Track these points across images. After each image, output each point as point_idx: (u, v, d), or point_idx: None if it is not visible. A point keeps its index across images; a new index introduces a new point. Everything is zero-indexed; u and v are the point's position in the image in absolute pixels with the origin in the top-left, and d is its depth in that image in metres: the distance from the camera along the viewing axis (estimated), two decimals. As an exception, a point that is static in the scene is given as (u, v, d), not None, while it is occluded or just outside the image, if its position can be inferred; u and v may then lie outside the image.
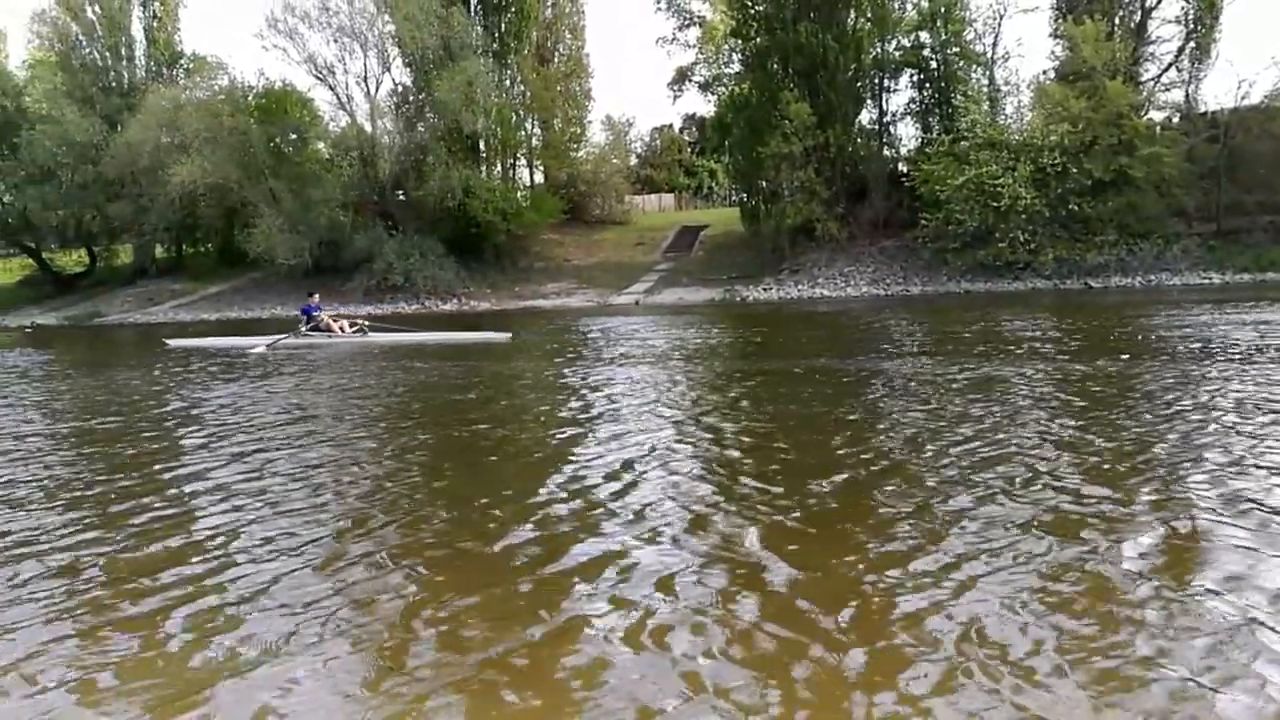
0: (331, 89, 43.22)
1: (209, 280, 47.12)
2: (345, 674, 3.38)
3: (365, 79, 43.05)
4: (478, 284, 41.64)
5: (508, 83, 46.39)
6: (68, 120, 44.22)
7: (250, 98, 44.10)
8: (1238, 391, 8.55)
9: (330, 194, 41.27)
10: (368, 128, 43.39)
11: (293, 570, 4.54)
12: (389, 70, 43.82)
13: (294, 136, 44.88)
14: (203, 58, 48.71)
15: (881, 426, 7.89)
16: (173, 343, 22.38)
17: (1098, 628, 3.47)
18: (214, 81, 44.30)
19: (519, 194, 45.19)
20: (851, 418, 8.42)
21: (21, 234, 50.18)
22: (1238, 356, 11.18)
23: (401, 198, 43.82)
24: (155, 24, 51.26)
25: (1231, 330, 14.46)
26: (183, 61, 51.26)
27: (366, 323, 21.64)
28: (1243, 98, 33.58)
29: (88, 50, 49.12)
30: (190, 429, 9.22)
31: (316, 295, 23.23)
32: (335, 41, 42.17)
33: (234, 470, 7.03)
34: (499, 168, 46.41)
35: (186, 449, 8.10)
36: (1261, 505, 4.91)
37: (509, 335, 20.33)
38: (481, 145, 44.18)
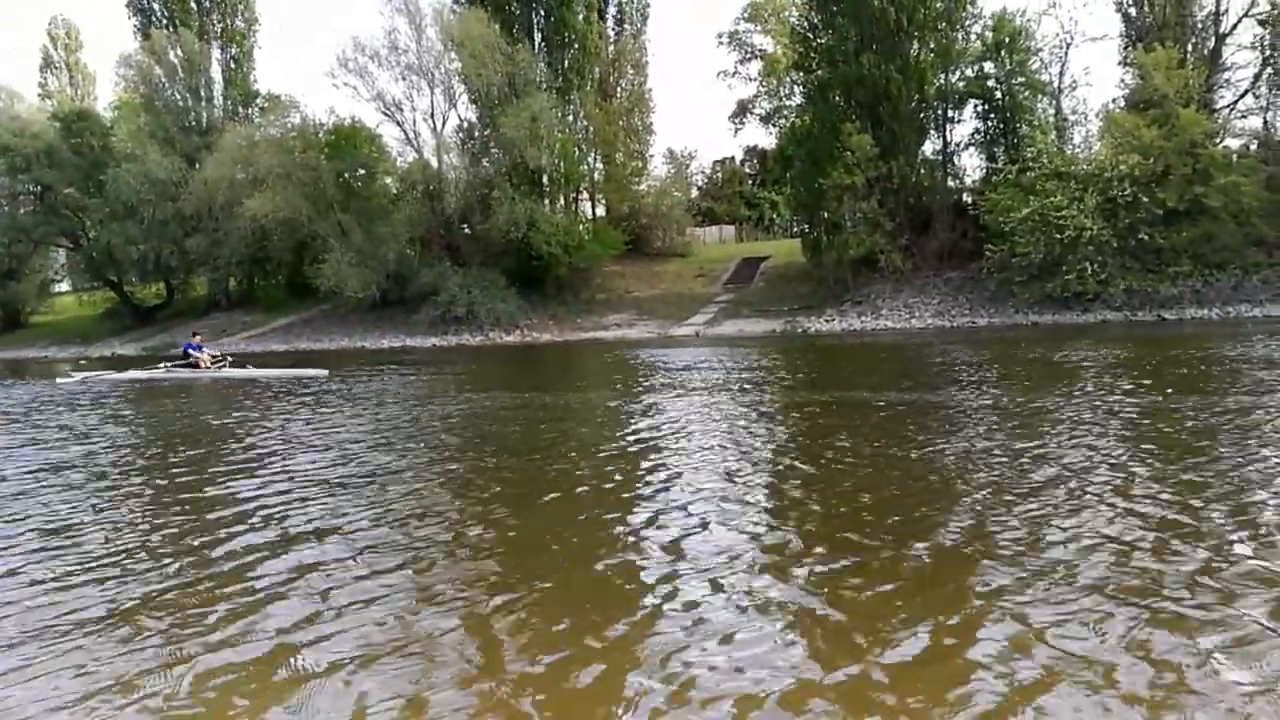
0: (399, 125, 44.42)
1: (279, 312, 48.40)
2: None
3: (432, 115, 44.15)
4: (540, 316, 42.09)
5: (571, 118, 47.04)
6: (150, 159, 45.99)
7: (320, 134, 45.40)
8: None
9: (397, 228, 42.20)
10: (434, 163, 44.36)
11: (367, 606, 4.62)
12: (455, 107, 44.87)
13: (362, 172, 46.01)
14: (276, 96, 50.31)
15: (940, 462, 7.76)
16: (65, 380, 23.42)
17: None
18: (286, 119, 45.74)
19: (581, 227, 45.65)
20: (912, 452, 8.30)
21: (105, 268, 52.22)
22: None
23: (466, 231, 44.61)
24: (233, 65, 53.30)
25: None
26: (258, 100, 53.04)
27: (228, 358, 24.79)
28: (1324, 123, 32.58)
29: (169, 91, 51.13)
30: (235, 457, 9.47)
31: (199, 335, 27.16)
32: (403, 79, 43.40)
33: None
34: (562, 201, 46.97)
35: (245, 473, 8.32)
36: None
37: (326, 371, 22.48)
38: (545, 179, 44.78)
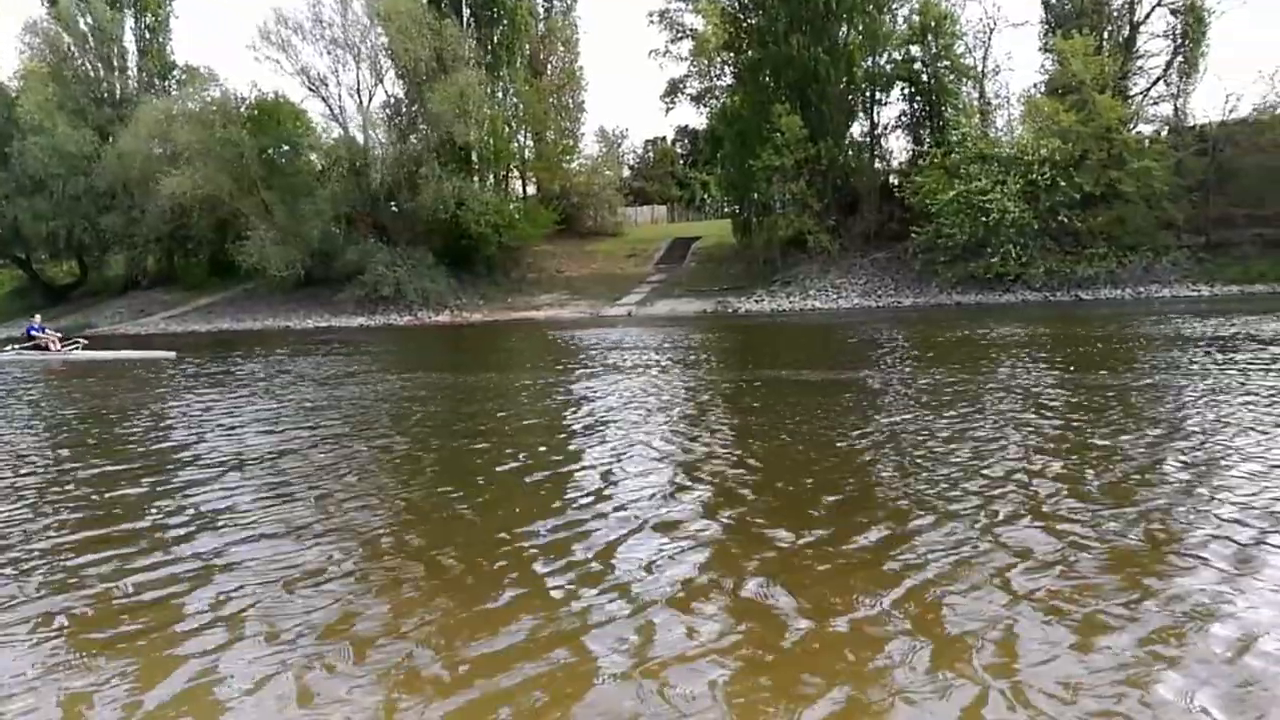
0: (324, 100, 43.42)
1: (201, 291, 47.09)
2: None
3: (358, 90, 43.23)
4: (470, 296, 41.70)
5: (500, 95, 46.47)
6: (59, 131, 44.22)
7: (242, 109, 44.14)
8: (1211, 401, 8.61)
9: (322, 206, 41.34)
10: (360, 139, 43.52)
11: (278, 587, 4.53)
12: (381, 82, 44.00)
13: (286, 148, 44.95)
14: (195, 69, 48.71)
15: (865, 436, 7.90)
16: None
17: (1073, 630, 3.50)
18: (206, 93, 44.36)
19: (512, 205, 45.22)
20: (839, 428, 8.42)
21: (12, 245, 50.11)
22: (1214, 365, 11.26)
23: (394, 210, 43.85)
24: (147, 35, 51.32)
25: (1212, 341, 14.53)
26: (175, 73, 51.32)
27: (82, 341, 24.46)
28: (1230, 111, 33.90)
29: (79, 61, 49.09)
30: (145, 440, 9.21)
31: (39, 316, 27.17)
32: (328, 53, 42.40)
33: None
34: (492, 179, 46.48)
35: (162, 457, 8.09)
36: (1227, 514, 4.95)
37: (174, 353, 22.45)
38: (474, 157, 44.22)
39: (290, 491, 6.85)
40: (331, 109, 43.70)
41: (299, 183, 42.92)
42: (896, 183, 40.04)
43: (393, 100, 44.90)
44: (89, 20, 48.44)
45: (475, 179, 43.93)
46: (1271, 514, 5.15)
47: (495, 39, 45.72)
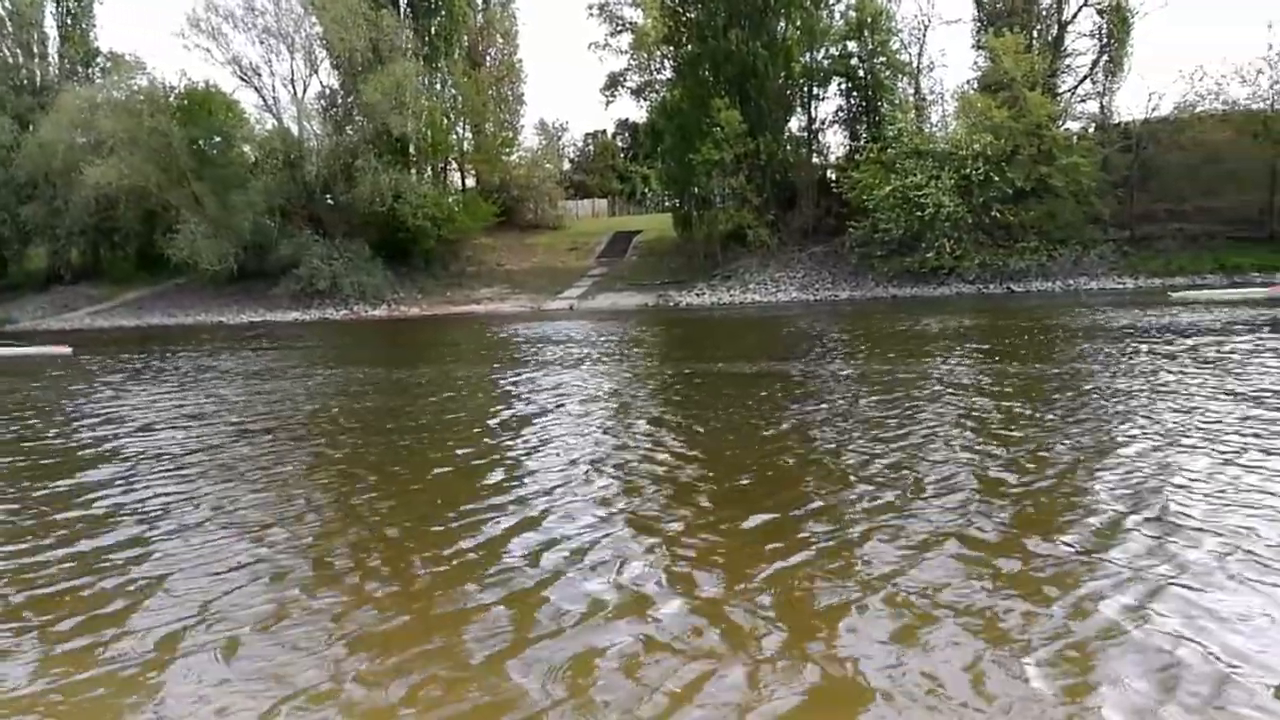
0: (257, 91, 42.54)
1: (129, 286, 45.63)
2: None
3: (292, 81, 42.40)
4: (408, 289, 41.18)
5: (438, 86, 45.94)
6: (-25, 120, 42.57)
7: (171, 99, 42.92)
8: (1115, 389, 8.88)
9: (255, 198, 40.45)
10: (295, 130, 42.68)
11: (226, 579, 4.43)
12: (316, 72, 43.22)
13: (218, 139, 43.81)
14: (120, 56, 47.13)
15: (803, 425, 7.98)
16: None
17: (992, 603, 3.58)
18: (132, 81, 42.94)
19: (450, 198, 44.70)
20: (768, 418, 8.51)
21: (-75, 236, 48.04)
22: (1126, 355, 11.63)
23: (330, 202, 43.07)
24: (70, 21, 49.56)
25: (1129, 332, 14.98)
26: (99, 60, 49.65)
27: None
28: (1153, 110, 34.93)
29: (-3, 47, 47.29)
30: (95, 437, 8.93)
31: None
32: (261, 43, 41.54)
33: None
34: (430, 171, 45.88)
35: (99, 457, 7.84)
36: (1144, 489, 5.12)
37: (69, 349, 22.00)
38: (412, 149, 43.62)
39: (195, 489, 6.70)
40: (265, 99, 42.85)
41: (231, 174, 41.88)
42: (834, 178, 40.46)
43: (328, 91, 44.19)
44: (7, 4, 46.74)
45: (413, 171, 43.32)
46: (1136, 495, 5.39)
47: (433, 30, 45.14)
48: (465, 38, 48.15)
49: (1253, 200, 32.81)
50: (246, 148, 45.21)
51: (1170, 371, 10.33)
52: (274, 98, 42.59)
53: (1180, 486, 5.52)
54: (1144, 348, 12.94)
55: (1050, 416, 8.06)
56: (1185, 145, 33.59)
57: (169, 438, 8.97)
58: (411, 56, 42.05)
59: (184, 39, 40.71)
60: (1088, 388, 9.61)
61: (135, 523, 5.76)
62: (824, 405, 9.26)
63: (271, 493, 6.48)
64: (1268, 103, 32.17)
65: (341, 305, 39.26)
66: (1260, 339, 13.26)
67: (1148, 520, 4.88)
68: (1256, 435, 6.80)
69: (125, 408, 11.41)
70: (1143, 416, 7.80)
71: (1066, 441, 6.98)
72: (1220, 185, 33.18)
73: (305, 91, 42.97)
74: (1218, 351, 11.97)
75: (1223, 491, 5.33)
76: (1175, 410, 7.92)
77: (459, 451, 7.83)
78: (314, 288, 39.35)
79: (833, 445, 7.26)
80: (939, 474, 6.14)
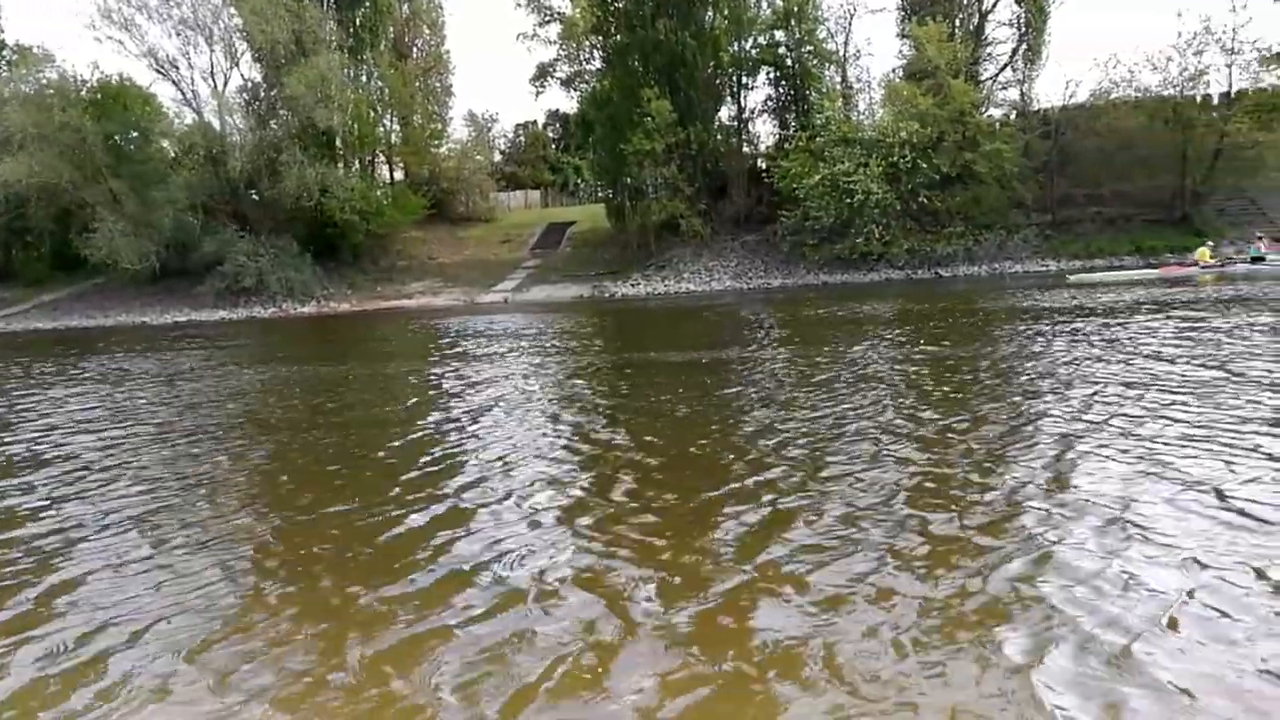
0: (175, 84, 41.29)
1: (43, 287, 44.02)
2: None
3: (212, 74, 41.28)
4: (337, 285, 40.48)
5: (364, 78, 45.11)
6: None
7: (83, 92, 41.43)
8: (1050, 367, 9.15)
9: (176, 194, 39.32)
10: (216, 124, 41.54)
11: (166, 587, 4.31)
12: (237, 65, 42.18)
13: (135, 134, 42.42)
14: (27, 48, 45.32)
15: (733, 410, 8.04)
16: None
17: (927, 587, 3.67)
18: (41, 74, 41.29)
19: (379, 192, 43.96)
20: (708, 403, 8.56)
21: None
22: (1054, 335, 11.98)
23: (255, 198, 42.06)
24: (-28, 12, 47.61)
25: (1049, 313, 15.43)
26: (4, 53, 47.70)
27: None
28: (1070, 97, 35.87)
29: (-106, 40, 45.18)
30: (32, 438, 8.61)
31: None
32: (177, 34, 40.33)
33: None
34: (357, 165, 45.08)
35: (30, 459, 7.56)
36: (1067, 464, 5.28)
37: None
38: (338, 142, 42.82)
39: (100, 493, 6.51)
40: (183, 93, 41.61)
41: (150, 171, 40.60)
42: (764, 166, 40.82)
43: (250, 84, 43.03)
44: (-96, -4, 44.65)
45: (340, 165, 42.54)
46: (1035, 469, 5.60)
47: (357, 21, 44.29)
48: (391, 29, 47.38)
49: (1165, 184, 33.99)
50: (166, 143, 43.90)
51: (1078, 351, 10.65)
52: (193, 91, 41.44)
53: (1073, 460, 5.72)
54: (1053, 329, 13.34)
55: (964, 396, 8.28)
56: (1101, 131, 34.61)
57: (78, 442, 8.68)
58: (336, 48, 41.22)
59: (95, 30, 39.51)
60: (999, 368, 9.89)
61: (34, 529, 5.57)
62: (755, 391, 9.36)
63: (184, 494, 6.32)
64: (1177, 89, 33.27)
65: (269, 303, 38.44)
66: (1163, 319, 13.74)
67: (1042, 492, 5.09)
68: (1147, 409, 7.06)
69: (31, 413, 11.02)
70: (1048, 395, 8.05)
71: (977, 419, 7.18)
72: (1134, 170, 34.32)
73: (226, 85, 41.91)
74: (1124, 330, 12.40)
75: (1108, 465, 5.54)
76: (1078, 388, 8.18)
77: (386, 447, 7.71)
78: (240, 285, 38.44)
79: (761, 430, 7.34)
80: (858, 453, 6.27)
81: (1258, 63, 33.25)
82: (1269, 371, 8.37)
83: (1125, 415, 6.98)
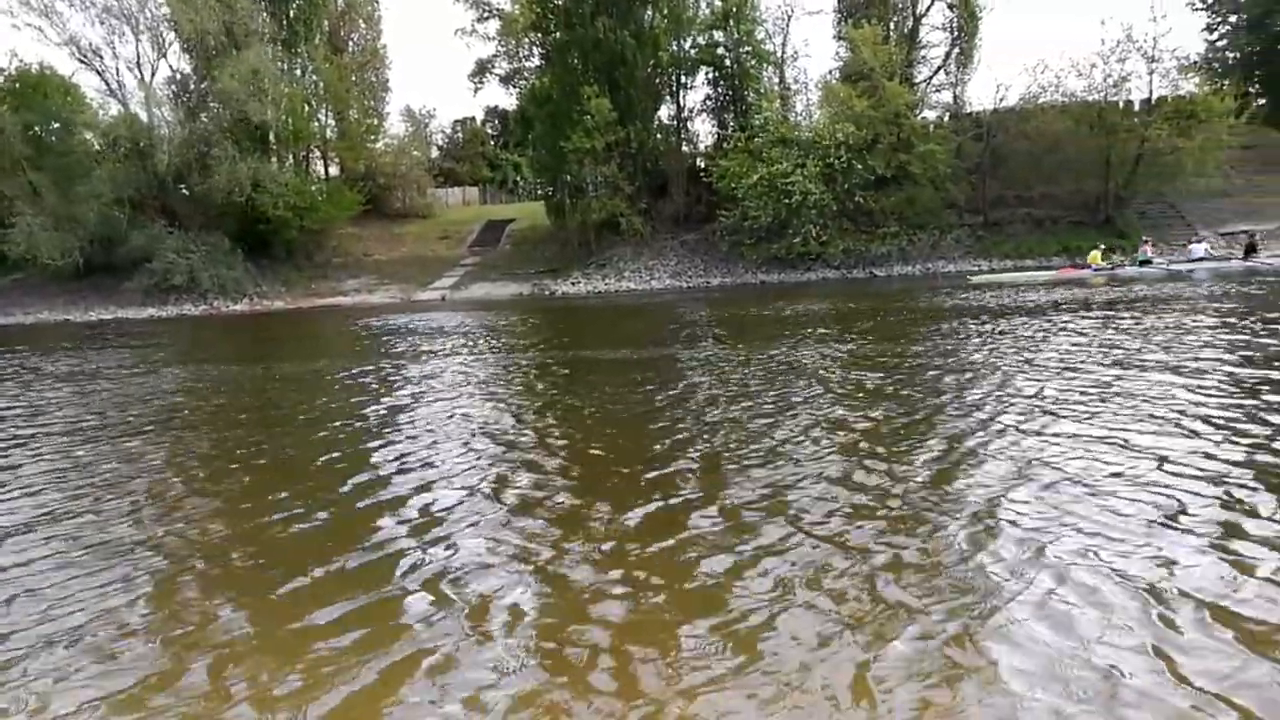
0: (100, 74, 40.26)
1: (-41, 284, 42.45)
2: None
3: (138, 64, 40.29)
4: (271, 283, 39.72)
5: (298, 72, 44.29)
6: None
7: (1, 81, 40.05)
8: (960, 364, 9.38)
9: (101, 188, 38.17)
10: (143, 117, 40.45)
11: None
12: (165, 56, 41.21)
13: (56, 125, 41.11)
14: (-58, 36, 43.74)
15: (670, 408, 8.03)
16: None
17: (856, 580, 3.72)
18: (-47, 62, 39.90)
19: (314, 187, 43.22)
20: (644, 401, 8.55)
21: None
22: (971, 332, 12.29)
23: (184, 193, 41.06)
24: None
25: (980, 311, 15.80)
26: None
27: None
28: (1001, 100, 36.70)
29: None
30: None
31: None
32: (101, 23, 39.32)
33: None
34: (291, 160, 44.22)
35: None
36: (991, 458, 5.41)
37: None
38: (272, 137, 41.96)
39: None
40: (108, 84, 40.57)
41: (73, 163, 39.37)
42: (703, 166, 41.03)
43: (179, 76, 42.13)
44: None
45: (273, 160, 41.72)
46: (965, 462, 5.70)
47: (290, 14, 43.43)
48: (325, 23, 46.58)
49: (1090, 187, 34.94)
50: (90, 135, 42.58)
51: (1006, 346, 10.91)
52: (119, 82, 40.42)
53: (992, 453, 5.85)
54: (971, 327, 13.65)
55: (890, 390, 8.43)
56: (1030, 134, 35.43)
57: (60, 440, 8.38)
58: (269, 41, 40.45)
59: (13, 18, 38.15)
60: (915, 364, 10.09)
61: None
62: (692, 388, 9.40)
63: (82, 497, 6.11)
64: (1101, 95, 34.24)
65: (200, 300, 37.57)
66: (1065, 318, 14.15)
67: (924, 485, 5.19)
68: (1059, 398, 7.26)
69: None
70: (952, 391, 8.22)
71: (903, 412, 7.29)
72: (1062, 173, 35.22)
73: (153, 76, 40.91)
74: (1033, 327, 12.75)
75: (1024, 452, 5.68)
76: (983, 385, 8.38)
77: (314, 446, 7.55)
78: (169, 283, 37.50)
79: (697, 427, 7.37)
80: (778, 448, 6.29)
81: (1176, 71, 34.44)
82: (1162, 364, 8.65)
83: (1023, 410, 7.15)
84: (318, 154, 48.33)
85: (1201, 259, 25.83)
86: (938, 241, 35.34)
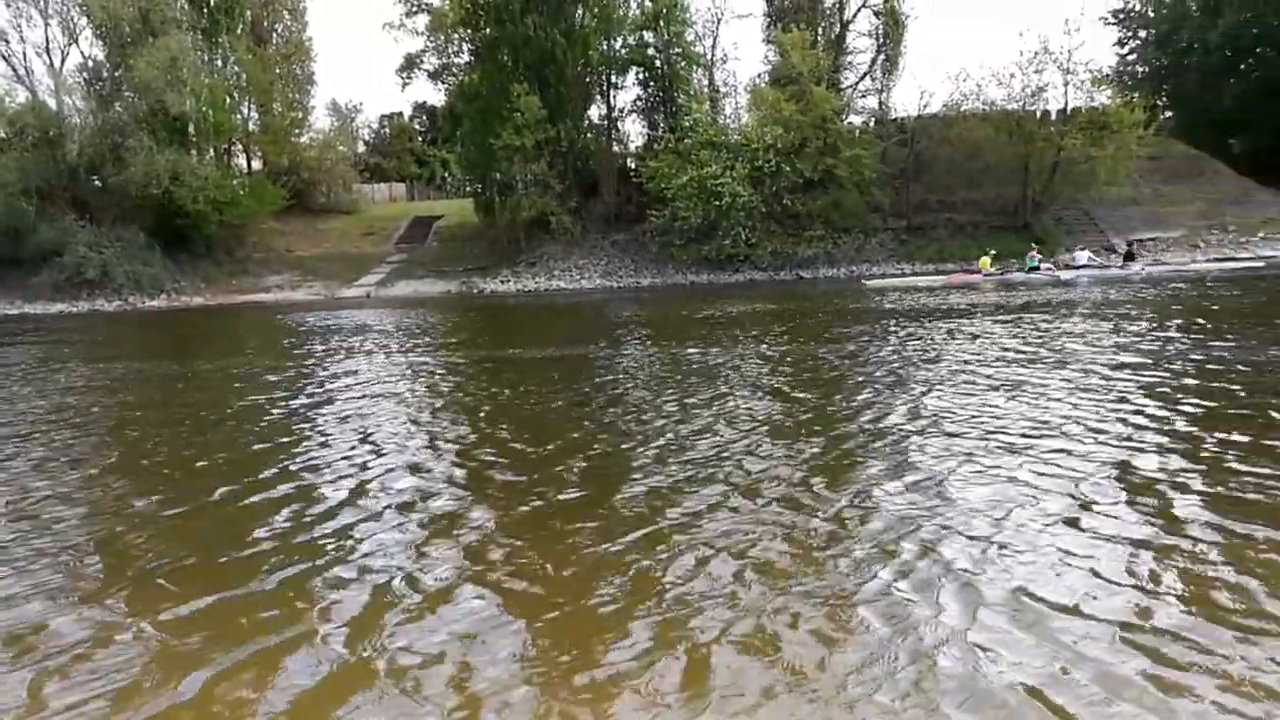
0: (5, 59, 38.55)
1: None
2: None
3: (47, 50, 38.82)
4: (190, 278, 38.58)
5: (220, 63, 43.10)
6: None
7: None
8: (899, 364, 9.58)
9: (7, 178, 36.58)
10: (52, 104, 38.96)
11: None
12: (76, 42, 39.76)
13: (-44, 112, 39.41)
14: None
15: (597, 407, 8.05)
16: None
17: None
18: None
19: (235, 181, 42.11)
20: (570, 401, 8.54)
21: None
22: (895, 334, 12.57)
23: (97, 184, 39.63)
24: None
25: (901, 314, 16.15)
26: None
27: None
28: (924, 107, 37.56)
29: None
30: None
31: None
32: (7, 5, 37.93)
33: None
34: (211, 153, 43.00)
35: None
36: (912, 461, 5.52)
37: None
38: (191, 129, 40.76)
39: None
40: (15, 69, 39.00)
41: (-26, 152, 37.77)
42: (633, 167, 41.09)
43: (91, 63, 40.65)
44: None
45: (193, 152, 40.53)
46: (874, 460, 5.79)
47: (211, 3, 42.20)
48: (248, 13, 45.45)
49: (1010, 193, 35.94)
50: (-7, 123, 40.92)
51: (911, 348, 11.17)
52: (26, 68, 38.96)
53: (874, 452, 5.97)
54: (885, 328, 13.99)
55: (816, 389, 8.56)
56: (953, 141, 36.33)
57: None
58: (189, 30, 39.30)
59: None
60: (827, 362, 10.36)
61: None
62: (608, 389, 9.41)
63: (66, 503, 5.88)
64: (1020, 104, 35.23)
65: (115, 296, 36.29)
66: (948, 320, 14.55)
67: (881, 477, 5.25)
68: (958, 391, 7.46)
69: None
70: (869, 389, 8.41)
71: (803, 412, 7.43)
72: (982, 178, 36.20)
73: (64, 62, 39.45)
74: (944, 330, 13.09)
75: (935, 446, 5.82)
76: (901, 383, 8.56)
77: (210, 446, 7.33)
78: (82, 277, 36.15)
79: (623, 425, 7.37)
80: (715, 449, 6.30)
81: (1090, 83, 35.63)
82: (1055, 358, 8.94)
83: (910, 411, 7.37)
84: (240, 147, 47.12)
85: (1084, 266, 26.96)
86: (863, 245, 35.97)
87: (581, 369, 11.49)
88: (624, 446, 6.86)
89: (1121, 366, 9.28)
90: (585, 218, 39.65)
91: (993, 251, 29.35)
